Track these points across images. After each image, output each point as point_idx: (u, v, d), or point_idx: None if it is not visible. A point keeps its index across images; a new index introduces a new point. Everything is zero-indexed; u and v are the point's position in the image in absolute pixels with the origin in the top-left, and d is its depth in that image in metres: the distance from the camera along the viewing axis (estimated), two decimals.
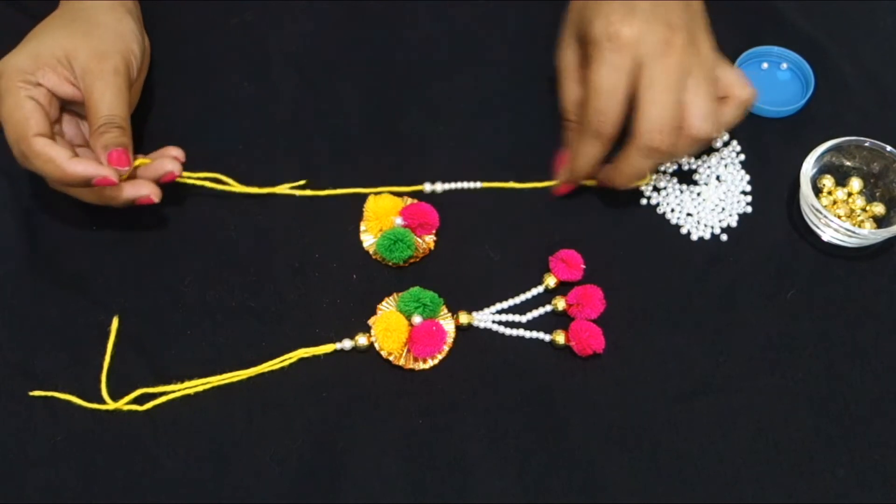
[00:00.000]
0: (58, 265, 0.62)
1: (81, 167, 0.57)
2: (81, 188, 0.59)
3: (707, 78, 0.58)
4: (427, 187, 0.65)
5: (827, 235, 0.63)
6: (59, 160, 0.56)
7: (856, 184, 0.65)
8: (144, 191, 0.60)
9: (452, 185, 0.65)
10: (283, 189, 0.65)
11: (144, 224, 0.64)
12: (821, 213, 0.62)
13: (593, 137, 0.59)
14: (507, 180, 0.65)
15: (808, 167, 0.64)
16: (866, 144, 0.64)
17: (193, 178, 0.63)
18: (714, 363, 0.60)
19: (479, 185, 0.65)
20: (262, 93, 0.69)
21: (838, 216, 0.63)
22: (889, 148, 0.64)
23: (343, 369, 0.59)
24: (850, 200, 0.65)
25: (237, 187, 0.64)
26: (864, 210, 0.65)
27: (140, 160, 0.61)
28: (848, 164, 0.66)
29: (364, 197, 0.64)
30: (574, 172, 0.63)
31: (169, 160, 0.61)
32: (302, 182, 0.65)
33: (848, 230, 0.62)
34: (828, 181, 0.65)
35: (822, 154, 0.64)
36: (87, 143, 0.62)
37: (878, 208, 0.64)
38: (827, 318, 0.61)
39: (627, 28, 0.57)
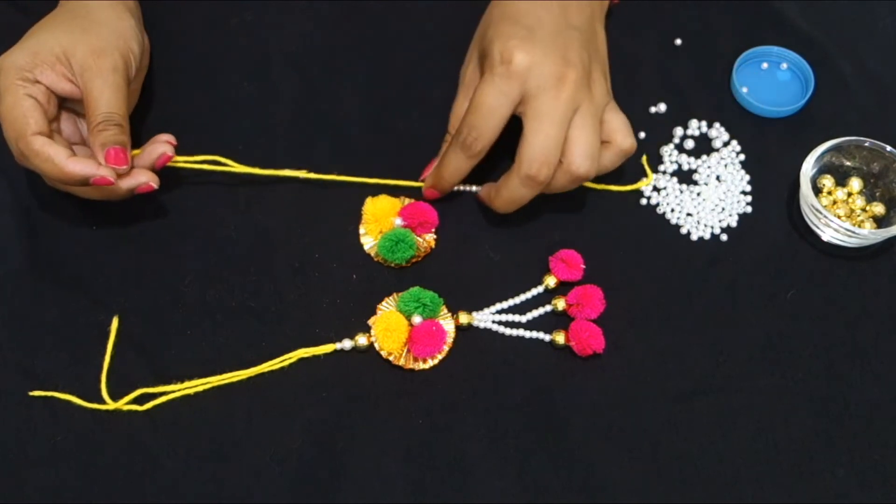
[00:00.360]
0: (58, 265, 0.62)
1: (80, 166, 0.57)
2: (80, 186, 0.59)
3: (594, 117, 0.59)
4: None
5: (827, 235, 0.63)
6: (58, 159, 0.56)
7: (856, 184, 0.65)
8: (143, 178, 0.59)
9: None
10: (284, 173, 0.64)
11: (144, 224, 0.64)
12: (821, 213, 0.62)
13: (461, 151, 0.60)
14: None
15: (808, 167, 0.64)
16: (866, 144, 0.64)
17: (191, 163, 0.63)
18: (714, 363, 0.60)
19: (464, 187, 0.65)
20: (262, 93, 0.69)
21: (838, 216, 0.63)
22: (889, 148, 0.64)
23: (343, 369, 0.59)
24: (850, 200, 0.65)
25: (236, 167, 0.64)
26: (864, 210, 0.65)
27: (133, 152, 0.60)
28: (848, 164, 0.66)
29: (364, 188, 0.64)
30: (438, 181, 0.62)
31: (161, 144, 0.61)
32: (303, 173, 0.65)
33: (848, 230, 0.62)
34: (828, 181, 0.65)
35: (822, 154, 0.64)
36: (85, 141, 0.62)
37: (878, 208, 0.64)
38: (827, 318, 0.61)
39: (523, 55, 0.57)
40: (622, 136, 0.60)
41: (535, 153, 0.57)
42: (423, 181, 0.64)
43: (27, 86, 0.57)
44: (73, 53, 0.58)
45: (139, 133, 0.66)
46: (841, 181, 0.66)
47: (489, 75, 0.58)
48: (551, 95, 0.57)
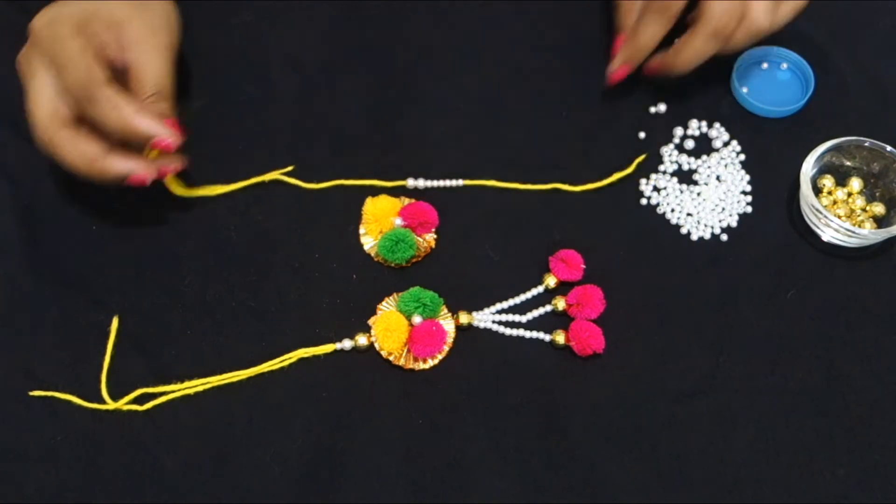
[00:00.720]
0: (58, 265, 0.62)
1: (147, 122, 0.56)
2: (75, 159, 0.57)
3: None
4: (410, 182, 0.65)
5: (827, 235, 0.63)
6: (128, 109, 0.55)
7: (856, 184, 0.65)
8: (140, 168, 0.58)
9: (434, 183, 0.65)
10: (272, 175, 0.65)
11: (144, 224, 0.64)
12: (821, 213, 0.62)
13: (659, 14, 0.62)
14: (507, 180, 0.65)
15: (808, 167, 0.64)
16: (866, 144, 0.64)
17: (190, 194, 0.64)
18: (714, 363, 0.60)
19: (461, 182, 0.65)
20: (262, 93, 0.69)
21: (838, 216, 0.63)
22: (889, 148, 0.64)
23: (343, 369, 0.59)
24: (850, 200, 0.65)
25: (228, 188, 0.64)
26: (864, 210, 0.65)
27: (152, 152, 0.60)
28: (848, 164, 0.66)
29: (357, 190, 0.64)
30: (635, 51, 0.65)
31: (175, 159, 0.60)
32: (290, 168, 0.65)
33: (848, 230, 0.62)
34: (828, 181, 0.65)
35: (822, 154, 0.64)
36: None
37: (878, 208, 0.64)
38: (827, 318, 0.61)
39: None
40: None
41: (721, 7, 0.60)
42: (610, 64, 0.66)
43: (88, 37, 0.57)
44: (128, 26, 0.58)
45: None
46: (841, 181, 0.66)
47: None
48: None
